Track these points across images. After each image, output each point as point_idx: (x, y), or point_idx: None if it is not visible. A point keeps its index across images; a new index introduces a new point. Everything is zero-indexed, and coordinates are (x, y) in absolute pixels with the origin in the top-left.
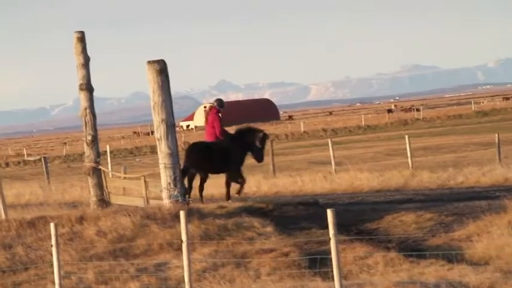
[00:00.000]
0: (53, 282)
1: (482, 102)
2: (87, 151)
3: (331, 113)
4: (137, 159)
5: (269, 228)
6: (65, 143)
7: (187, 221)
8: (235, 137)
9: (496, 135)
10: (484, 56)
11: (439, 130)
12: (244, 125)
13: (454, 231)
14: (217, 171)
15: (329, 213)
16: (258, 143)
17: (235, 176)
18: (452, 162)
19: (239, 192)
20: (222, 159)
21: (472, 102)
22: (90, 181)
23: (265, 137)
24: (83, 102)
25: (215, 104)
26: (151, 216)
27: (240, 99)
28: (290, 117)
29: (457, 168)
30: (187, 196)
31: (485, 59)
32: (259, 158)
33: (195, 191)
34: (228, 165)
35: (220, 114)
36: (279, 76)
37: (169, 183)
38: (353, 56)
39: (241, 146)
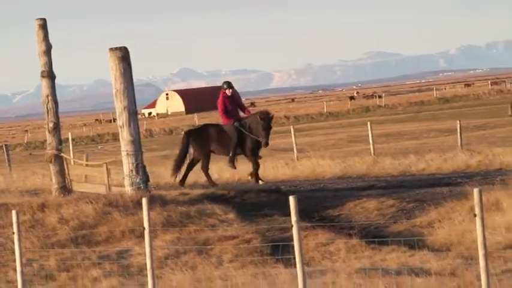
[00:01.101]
0: (15, 270)
1: (445, 89)
2: (49, 138)
3: (293, 100)
4: (99, 147)
5: (231, 215)
6: (27, 131)
7: (150, 208)
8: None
9: (458, 121)
10: (446, 43)
11: (401, 117)
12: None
13: (415, 217)
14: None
15: (291, 200)
16: (261, 126)
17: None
18: (414, 148)
19: (254, 175)
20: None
21: (434, 89)
22: (52, 168)
23: (268, 118)
24: (45, 90)
25: (224, 86)
26: (113, 203)
27: (203, 86)
28: (252, 104)
29: (418, 154)
30: (149, 183)
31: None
32: (265, 143)
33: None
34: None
35: (227, 93)
36: (241, 63)
37: (132, 170)
38: (315, 43)
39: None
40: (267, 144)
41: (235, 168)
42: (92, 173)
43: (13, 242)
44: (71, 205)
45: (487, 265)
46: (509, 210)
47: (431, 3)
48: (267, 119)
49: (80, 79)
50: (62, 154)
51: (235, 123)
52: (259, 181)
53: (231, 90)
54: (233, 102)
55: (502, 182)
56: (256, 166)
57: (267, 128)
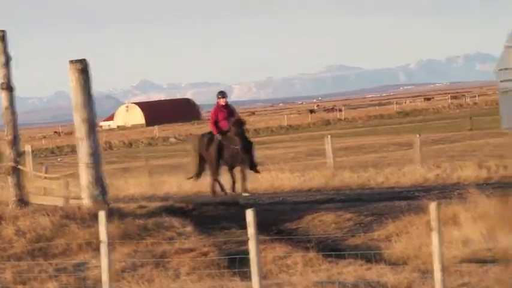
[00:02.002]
0: None
1: (405, 102)
2: (8, 151)
3: (253, 113)
4: (59, 159)
5: (189, 228)
6: None
7: (107, 221)
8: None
9: (417, 135)
10: (407, 57)
11: (360, 130)
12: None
13: (373, 231)
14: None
15: (248, 213)
16: (233, 133)
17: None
18: (373, 162)
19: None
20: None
21: (394, 103)
22: (10, 181)
23: (237, 123)
24: (4, 102)
25: (218, 96)
26: (70, 215)
27: (162, 98)
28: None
29: (377, 168)
30: (107, 196)
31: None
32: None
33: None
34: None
35: (221, 103)
36: (202, 76)
37: (90, 183)
38: (276, 57)
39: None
40: (242, 149)
41: (216, 181)
42: (51, 186)
43: None
44: (28, 217)
45: (443, 279)
46: (466, 224)
47: (392, 18)
48: (236, 124)
49: (39, 91)
50: (20, 166)
51: (217, 135)
52: (244, 194)
53: (224, 99)
54: (228, 113)
55: (460, 196)
56: (238, 178)
57: (239, 134)
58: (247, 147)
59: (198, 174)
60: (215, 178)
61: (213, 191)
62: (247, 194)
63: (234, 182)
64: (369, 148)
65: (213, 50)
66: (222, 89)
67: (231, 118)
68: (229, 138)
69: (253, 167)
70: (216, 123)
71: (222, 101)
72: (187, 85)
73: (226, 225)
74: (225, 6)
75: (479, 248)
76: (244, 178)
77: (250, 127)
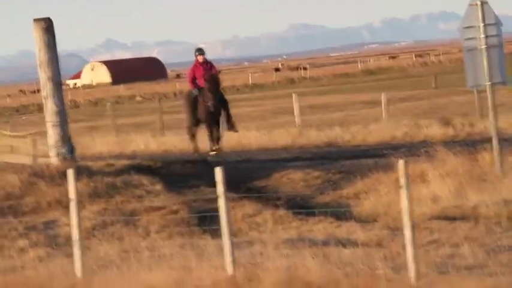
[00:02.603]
0: None
1: (369, 61)
2: None
3: (219, 72)
4: (23, 117)
5: (158, 186)
6: None
7: (76, 179)
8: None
9: (382, 93)
10: (370, 16)
11: (326, 89)
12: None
13: (341, 189)
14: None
15: (217, 171)
16: (207, 89)
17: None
18: (340, 120)
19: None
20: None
21: (359, 61)
22: None
23: (211, 79)
24: None
25: (196, 53)
26: (39, 174)
27: (128, 57)
28: (178, 76)
29: (344, 126)
30: (74, 154)
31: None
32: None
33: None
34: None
35: (199, 60)
36: (167, 34)
37: (57, 141)
38: (241, 15)
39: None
40: (213, 106)
41: (192, 137)
42: (17, 144)
43: None
44: None
45: (413, 236)
46: (434, 182)
47: None
48: (210, 80)
49: (3, 50)
50: None
51: (193, 91)
52: (211, 152)
53: (202, 56)
54: (206, 70)
55: (427, 154)
56: (211, 135)
57: (212, 90)
58: (221, 104)
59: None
60: (190, 134)
61: (194, 148)
62: (213, 153)
63: (211, 140)
64: (334, 107)
65: (178, 9)
66: (197, 47)
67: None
68: (203, 94)
69: (230, 125)
70: (193, 80)
71: (200, 58)
72: (153, 44)
73: (194, 183)
74: None
75: (447, 205)
76: (215, 136)
77: None
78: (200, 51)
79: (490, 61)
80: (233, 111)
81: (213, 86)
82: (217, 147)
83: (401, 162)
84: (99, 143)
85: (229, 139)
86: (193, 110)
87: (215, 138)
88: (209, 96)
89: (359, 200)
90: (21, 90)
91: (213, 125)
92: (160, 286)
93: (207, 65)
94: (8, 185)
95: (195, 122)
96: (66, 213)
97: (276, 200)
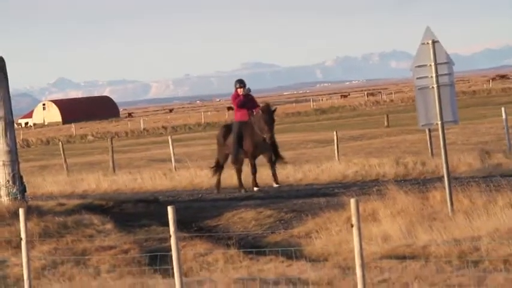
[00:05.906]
0: None
1: (321, 100)
2: None
3: (171, 111)
4: None
5: (109, 226)
6: None
7: (26, 219)
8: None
9: (334, 132)
10: (323, 55)
11: (278, 127)
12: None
13: (293, 227)
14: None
15: (169, 210)
16: (263, 120)
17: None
18: (291, 159)
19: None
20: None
21: (311, 100)
22: None
23: (267, 109)
24: None
25: (236, 85)
26: None
27: (80, 96)
28: (130, 115)
29: (296, 165)
30: (25, 194)
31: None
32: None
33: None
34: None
35: (240, 93)
36: (119, 73)
37: (8, 181)
38: (193, 54)
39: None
40: (270, 138)
41: (238, 168)
42: None
43: None
44: None
45: (363, 275)
46: (385, 221)
47: (303, 15)
48: (267, 111)
49: None
50: None
51: (236, 122)
52: (255, 188)
53: (242, 89)
54: (246, 102)
55: (379, 193)
56: (254, 170)
57: (269, 121)
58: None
59: (218, 166)
60: (216, 167)
61: (217, 184)
62: (277, 185)
63: (255, 173)
64: (286, 145)
65: (130, 48)
66: (238, 79)
67: (255, 105)
68: (250, 125)
69: (280, 158)
70: (241, 107)
71: (240, 91)
72: (105, 82)
73: (146, 222)
74: (144, 6)
75: (398, 244)
76: (272, 171)
77: (167, 124)
78: (241, 83)
79: (442, 100)
80: (185, 149)
81: (270, 116)
82: (278, 182)
83: (352, 201)
84: (50, 183)
85: (181, 178)
86: (238, 142)
87: (273, 174)
88: (265, 128)
89: (310, 239)
90: None
91: (258, 157)
92: None
93: (248, 97)
94: None
95: (238, 156)
96: (16, 253)
97: (227, 240)
